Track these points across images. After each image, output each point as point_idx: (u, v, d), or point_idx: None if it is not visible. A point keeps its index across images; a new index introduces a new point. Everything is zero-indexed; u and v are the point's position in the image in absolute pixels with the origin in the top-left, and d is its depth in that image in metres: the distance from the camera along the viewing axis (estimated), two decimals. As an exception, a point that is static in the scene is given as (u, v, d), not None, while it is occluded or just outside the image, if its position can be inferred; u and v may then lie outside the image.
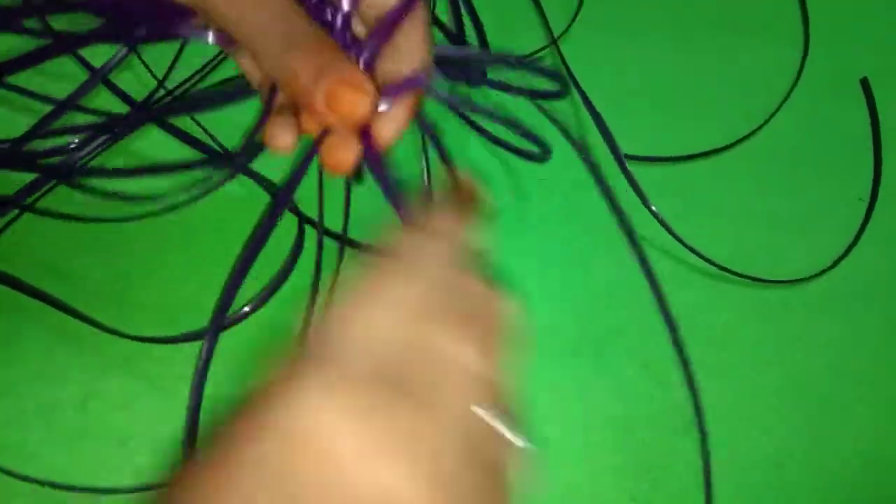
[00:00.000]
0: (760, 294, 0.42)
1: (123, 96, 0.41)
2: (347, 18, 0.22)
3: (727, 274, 0.42)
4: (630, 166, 0.41)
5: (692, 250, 0.42)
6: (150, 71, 0.44)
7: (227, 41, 0.21)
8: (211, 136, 0.42)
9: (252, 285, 0.39)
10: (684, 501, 0.36)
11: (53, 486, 0.34)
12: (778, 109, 0.48)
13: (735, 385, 0.39)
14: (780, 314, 0.41)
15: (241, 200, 0.42)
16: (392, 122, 0.22)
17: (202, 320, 0.38)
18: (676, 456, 0.37)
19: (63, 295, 0.38)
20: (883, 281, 0.43)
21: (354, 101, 0.20)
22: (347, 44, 0.22)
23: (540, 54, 0.48)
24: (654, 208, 0.42)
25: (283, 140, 0.22)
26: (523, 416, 0.18)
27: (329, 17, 0.22)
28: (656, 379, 0.39)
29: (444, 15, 0.42)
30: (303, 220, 0.41)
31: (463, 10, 0.40)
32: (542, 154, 0.27)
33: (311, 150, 0.22)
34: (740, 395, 0.39)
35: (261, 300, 0.39)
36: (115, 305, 0.38)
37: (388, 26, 0.21)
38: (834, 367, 0.40)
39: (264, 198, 0.42)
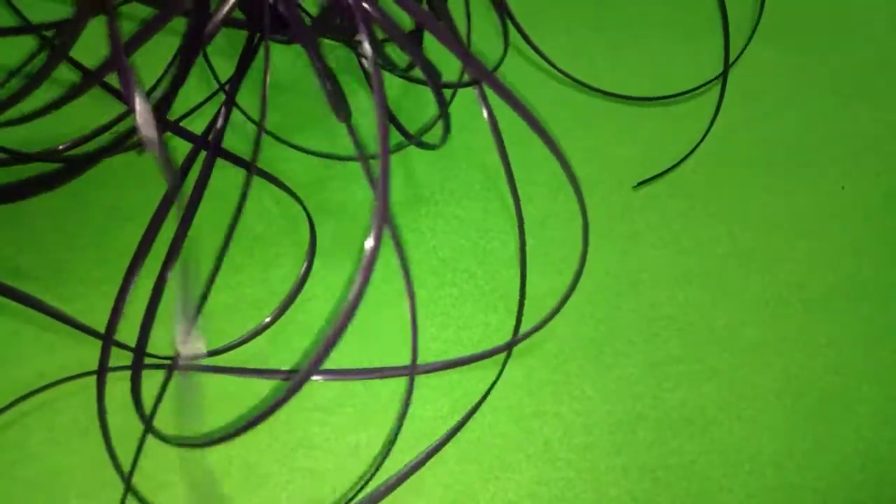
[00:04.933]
0: (760, 292, 0.42)
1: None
2: None
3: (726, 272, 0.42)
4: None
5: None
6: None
7: None
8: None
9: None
10: (686, 501, 0.36)
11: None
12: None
13: (735, 385, 0.39)
14: (779, 311, 0.41)
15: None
16: None
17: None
18: (678, 455, 0.37)
19: (60, 303, 0.38)
20: (884, 280, 0.43)
21: None
22: None
23: None
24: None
25: None
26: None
27: None
28: (658, 378, 0.39)
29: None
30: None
31: None
32: None
33: None
34: (740, 395, 0.39)
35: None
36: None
37: None
38: (834, 367, 0.40)
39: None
